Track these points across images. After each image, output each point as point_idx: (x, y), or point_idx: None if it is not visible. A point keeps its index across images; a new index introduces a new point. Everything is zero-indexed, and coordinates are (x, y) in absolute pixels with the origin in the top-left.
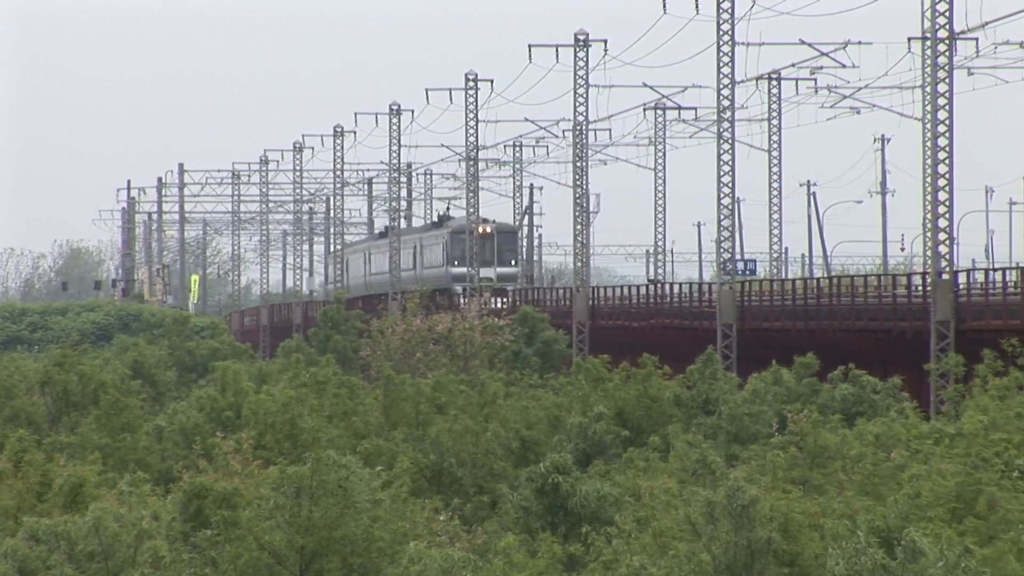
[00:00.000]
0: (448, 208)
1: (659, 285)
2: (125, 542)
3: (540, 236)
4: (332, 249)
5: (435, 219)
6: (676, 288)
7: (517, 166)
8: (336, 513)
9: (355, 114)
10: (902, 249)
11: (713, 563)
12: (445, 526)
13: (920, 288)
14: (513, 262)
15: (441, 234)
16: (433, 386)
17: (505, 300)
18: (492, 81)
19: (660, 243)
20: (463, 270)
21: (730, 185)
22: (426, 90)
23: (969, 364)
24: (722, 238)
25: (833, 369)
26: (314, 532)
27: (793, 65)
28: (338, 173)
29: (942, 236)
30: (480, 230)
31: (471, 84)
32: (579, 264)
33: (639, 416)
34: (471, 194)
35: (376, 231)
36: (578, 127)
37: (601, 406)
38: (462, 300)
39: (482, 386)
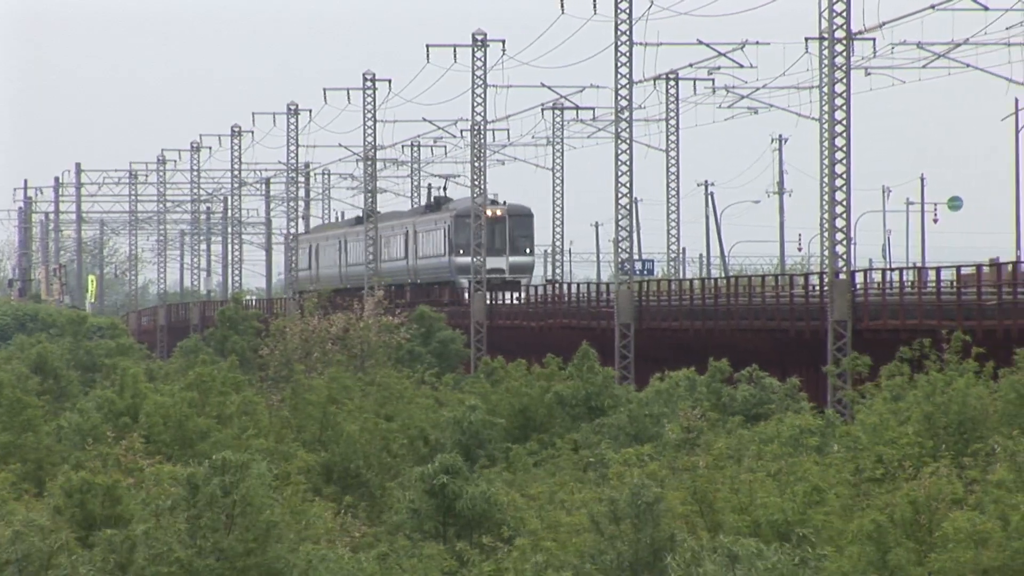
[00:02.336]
0: (444, 188)
1: (557, 285)
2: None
3: None
4: (294, 233)
5: (427, 201)
6: (574, 288)
7: (415, 166)
8: (254, 539)
9: (253, 114)
10: (799, 249)
11: (617, 561)
12: (333, 524)
13: (817, 288)
14: (528, 250)
15: (442, 218)
16: (328, 382)
17: (518, 296)
18: (390, 81)
19: (558, 243)
20: (469, 260)
21: (628, 185)
22: (324, 90)
23: (874, 364)
24: (620, 238)
25: (733, 369)
26: (233, 560)
27: (691, 65)
28: (236, 173)
29: (839, 236)
30: (489, 213)
31: (369, 84)
32: (477, 264)
33: (541, 415)
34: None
35: (354, 215)
36: (476, 127)
37: (475, 399)
38: (467, 295)
39: (381, 385)
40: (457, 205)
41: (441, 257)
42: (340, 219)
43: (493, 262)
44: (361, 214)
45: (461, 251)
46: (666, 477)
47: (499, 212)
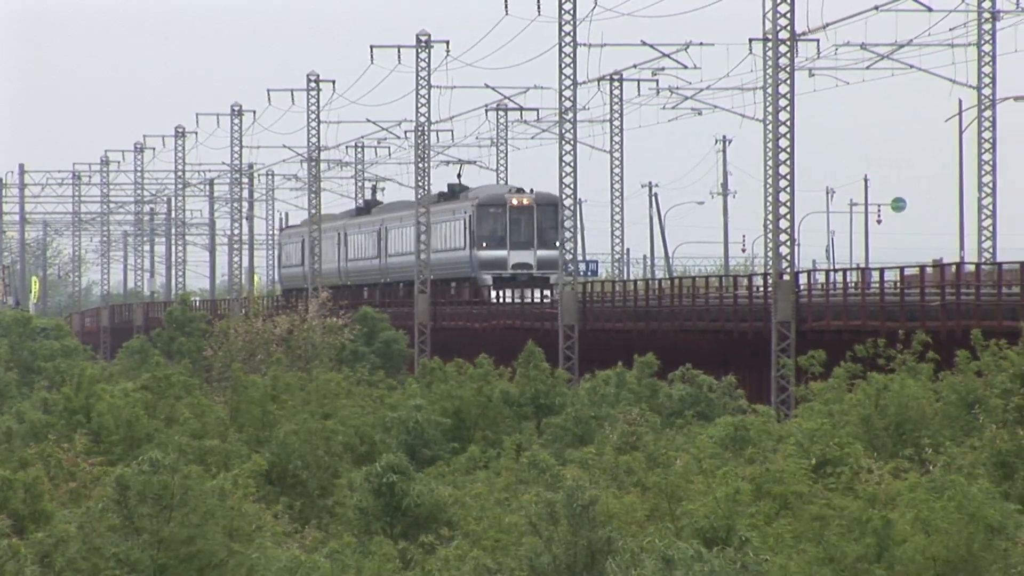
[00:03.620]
0: (460, 175)
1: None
2: None
3: None
4: (284, 227)
5: (443, 189)
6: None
7: (359, 167)
8: (191, 527)
9: (196, 115)
10: (743, 250)
11: (554, 563)
12: (278, 526)
13: (761, 289)
14: (558, 243)
15: (463, 207)
16: (271, 383)
17: (547, 295)
18: (334, 82)
19: None
20: (495, 254)
21: (572, 186)
22: (268, 91)
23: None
24: (564, 239)
25: (676, 369)
26: (170, 548)
27: (635, 66)
28: (179, 174)
29: (783, 237)
30: (514, 202)
31: (313, 85)
32: (421, 265)
33: (476, 415)
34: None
35: (355, 206)
36: (420, 128)
37: (420, 399)
38: (492, 293)
39: (321, 385)
40: (479, 193)
41: (460, 251)
42: (284, 221)
43: (518, 256)
44: (362, 203)
45: (485, 244)
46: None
47: (525, 200)
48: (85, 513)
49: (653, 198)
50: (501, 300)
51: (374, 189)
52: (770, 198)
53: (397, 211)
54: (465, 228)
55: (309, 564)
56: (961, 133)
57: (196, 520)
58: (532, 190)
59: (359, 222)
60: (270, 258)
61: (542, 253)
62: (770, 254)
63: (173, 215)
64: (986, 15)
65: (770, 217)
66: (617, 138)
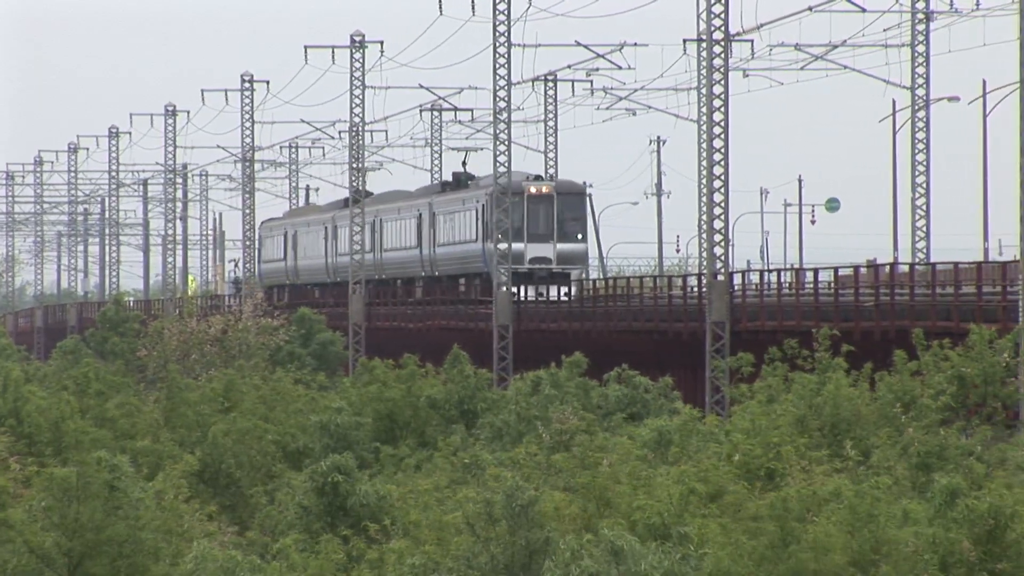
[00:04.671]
0: (465, 161)
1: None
2: None
3: None
4: (265, 220)
5: (445, 178)
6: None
7: (293, 167)
8: (103, 515)
9: (130, 115)
10: (677, 250)
11: (491, 562)
12: (211, 526)
13: (696, 289)
14: (580, 236)
15: (473, 197)
16: (225, 386)
17: (568, 293)
18: (268, 82)
19: None
20: (514, 247)
21: (507, 187)
22: (202, 91)
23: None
24: (498, 239)
25: (610, 370)
26: (81, 534)
27: (569, 67)
28: (113, 174)
29: (717, 237)
30: (532, 190)
31: (247, 85)
32: (356, 265)
33: (407, 416)
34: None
35: (343, 197)
36: (354, 128)
37: (341, 401)
38: (506, 290)
39: (272, 387)
40: (492, 180)
41: (471, 244)
42: (219, 222)
43: (536, 250)
44: (350, 194)
45: (500, 237)
46: (552, 477)
47: (545, 189)
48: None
49: (587, 198)
50: (517, 298)
51: (363, 180)
52: (704, 198)
53: (393, 202)
54: (477, 219)
55: (246, 564)
56: (895, 134)
57: (107, 511)
58: (552, 177)
59: (348, 214)
60: (204, 258)
61: (563, 246)
62: (704, 254)
63: (107, 215)
64: (920, 16)
65: (704, 217)
66: (551, 138)
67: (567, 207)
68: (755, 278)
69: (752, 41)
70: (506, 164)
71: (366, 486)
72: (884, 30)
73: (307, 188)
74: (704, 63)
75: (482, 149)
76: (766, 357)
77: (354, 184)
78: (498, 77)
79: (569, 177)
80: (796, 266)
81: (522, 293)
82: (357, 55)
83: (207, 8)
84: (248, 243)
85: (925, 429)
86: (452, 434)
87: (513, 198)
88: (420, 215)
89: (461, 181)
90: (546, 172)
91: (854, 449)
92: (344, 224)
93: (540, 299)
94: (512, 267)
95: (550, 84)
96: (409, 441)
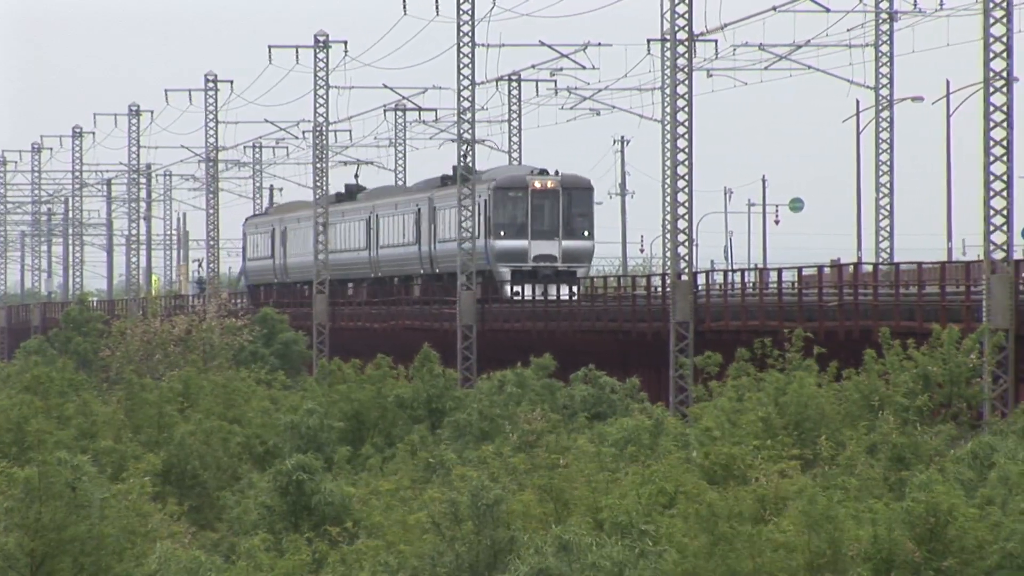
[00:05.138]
0: (465, 155)
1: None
2: None
3: None
4: (246, 218)
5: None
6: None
7: (257, 167)
8: (64, 514)
9: (94, 115)
10: (641, 250)
11: (456, 562)
12: (177, 526)
13: (660, 289)
14: (586, 232)
15: (476, 191)
16: (183, 385)
17: (574, 292)
18: (232, 82)
19: None
20: (514, 244)
21: (471, 187)
22: (165, 91)
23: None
24: (463, 239)
25: (574, 370)
26: (43, 534)
27: (533, 67)
28: (77, 174)
29: (681, 237)
30: (536, 184)
31: (211, 85)
32: (319, 265)
33: (375, 417)
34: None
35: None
36: (318, 128)
37: (312, 403)
38: (509, 289)
39: (227, 386)
40: (496, 174)
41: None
42: (182, 223)
43: (540, 247)
44: (344, 189)
45: (503, 233)
46: (518, 477)
47: (550, 184)
48: None
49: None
50: (522, 297)
51: (357, 173)
52: (668, 198)
53: (391, 196)
54: (479, 215)
55: (210, 564)
56: (859, 134)
57: (68, 512)
58: (557, 171)
59: (342, 209)
60: (167, 258)
61: (568, 244)
62: (668, 254)
63: (71, 215)
64: (883, 16)
65: (668, 217)
66: (515, 138)
67: (573, 202)
68: (719, 278)
69: (716, 41)
70: (472, 165)
71: (330, 485)
72: (848, 30)
73: (271, 188)
74: (668, 63)
75: (484, 142)
76: (736, 356)
77: (318, 185)
78: (462, 77)
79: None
80: (760, 266)
81: (527, 292)
82: (321, 55)
83: (172, 8)
84: (212, 243)
85: (901, 425)
86: (414, 433)
87: (516, 193)
88: (419, 210)
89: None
90: None
91: (820, 447)
92: (337, 220)
93: (544, 299)
94: (516, 265)
95: (514, 84)
96: (376, 440)
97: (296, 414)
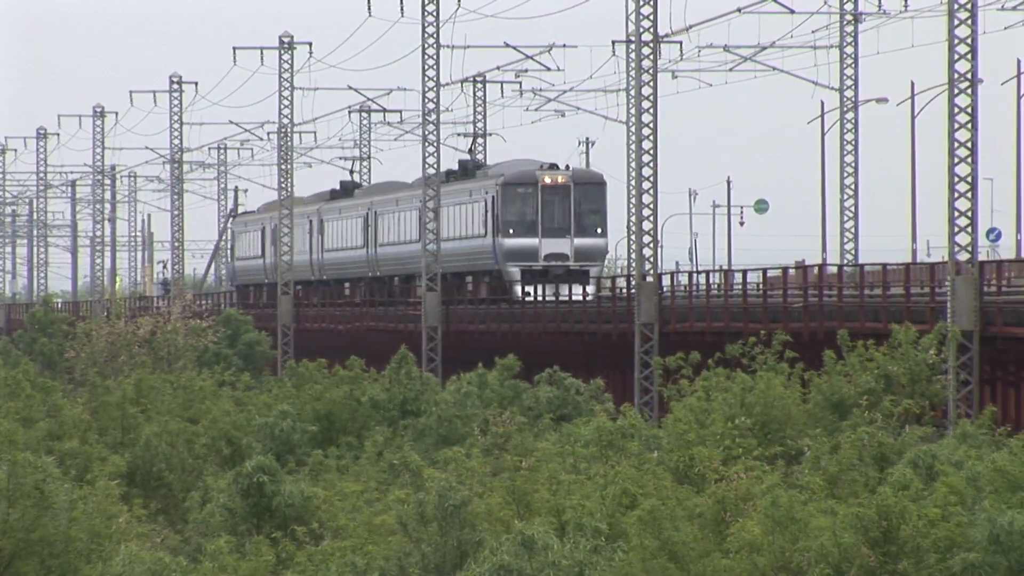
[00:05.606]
0: (471, 150)
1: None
2: None
3: None
4: (236, 214)
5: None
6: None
7: (222, 168)
8: (34, 515)
9: (59, 116)
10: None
11: (423, 563)
12: (142, 528)
13: (625, 290)
14: (600, 230)
15: (482, 187)
16: (135, 386)
17: (587, 292)
18: (196, 83)
19: None
20: (524, 243)
21: (436, 188)
22: (130, 92)
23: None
24: (428, 240)
25: (539, 371)
26: (11, 534)
27: (498, 68)
28: (41, 175)
29: (646, 239)
30: (547, 180)
31: (175, 86)
32: (284, 267)
33: (345, 419)
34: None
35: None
36: (283, 129)
37: (287, 404)
38: (520, 290)
39: (187, 387)
40: (504, 169)
41: (480, 239)
42: (147, 224)
43: (551, 245)
44: (339, 186)
45: (512, 231)
46: (483, 479)
47: (561, 179)
48: None
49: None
50: (534, 298)
51: (352, 170)
52: (633, 199)
53: (390, 192)
54: (486, 212)
55: (175, 566)
56: (824, 135)
57: (36, 513)
58: (568, 166)
59: (339, 206)
60: (132, 259)
61: (581, 242)
62: (633, 256)
63: (35, 216)
64: (848, 17)
65: (633, 218)
66: (480, 140)
67: (585, 198)
68: (684, 279)
69: (681, 42)
70: (436, 166)
71: (291, 487)
72: (812, 31)
73: (235, 189)
74: (633, 64)
75: (492, 134)
76: (710, 362)
77: (283, 186)
78: (427, 78)
79: None
80: (725, 268)
81: (537, 292)
82: (286, 56)
83: (136, 9)
84: (177, 244)
85: (882, 426)
86: (379, 435)
87: (526, 189)
88: (420, 207)
89: (468, 170)
90: None
91: (785, 447)
92: (332, 217)
93: (556, 299)
94: (526, 265)
95: (479, 85)
96: (351, 440)
97: (270, 415)
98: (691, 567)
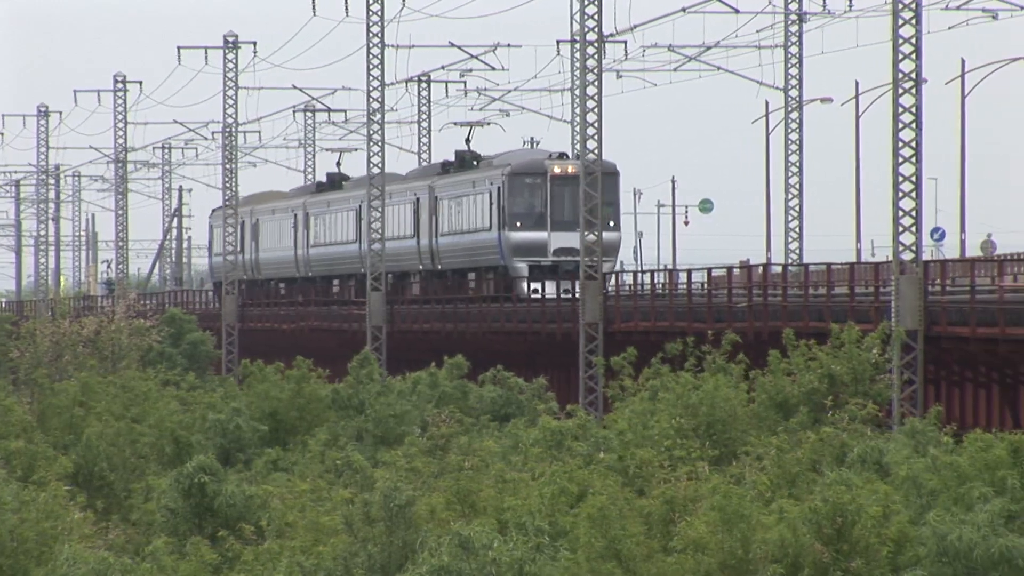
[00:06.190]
0: (469, 138)
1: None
2: None
3: (189, 239)
4: (212, 210)
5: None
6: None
7: (166, 168)
8: None
9: (2, 115)
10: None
11: (369, 562)
12: (89, 529)
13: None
14: (612, 223)
15: (487, 178)
16: (80, 388)
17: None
18: (141, 83)
19: None
20: (532, 236)
21: (381, 188)
22: (74, 91)
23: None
24: (373, 240)
25: (484, 371)
26: None
27: (443, 67)
28: None
29: (591, 238)
30: (556, 170)
31: (120, 85)
32: (229, 267)
33: (293, 417)
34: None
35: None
36: (227, 129)
37: (238, 403)
38: (526, 286)
39: (129, 387)
40: (510, 159)
41: (484, 232)
42: (92, 225)
43: (561, 239)
44: (325, 178)
45: (519, 224)
46: (427, 479)
47: (571, 169)
48: None
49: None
50: (542, 295)
51: (339, 161)
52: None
53: (395, 183)
54: (491, 203)
55: (118, 566)
56: (768, 135)
57: None
58: (578, 154)
59: (326, 199)
60: (76, 259)
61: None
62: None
63: None
64: (793, 17)
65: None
66: (425, 139)
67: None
68: (629, 279)
69: (626, 42)
70: (381, 165)
71: (232, 487)
72: (757, 31)
73: (180, 189)
74: (578, 64)
75: (489, 123)
76: (653, 361)
77: (227, 186)
78: (372, 78)
79: None
80: (669, 267)
81: (548, 289)
82: (230, 56)
83: (78, 8)
84: (121, 244)
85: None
86: (320, 435)
87: (533, 179)
88: (418, 200)
89: (466, 161)
90: None
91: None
92: (319, 211)
93: (572, 297)
94: (534, 260)
95: (424, 85)
96: (303, 439)
97: (221, 414)
98: (638, 567)
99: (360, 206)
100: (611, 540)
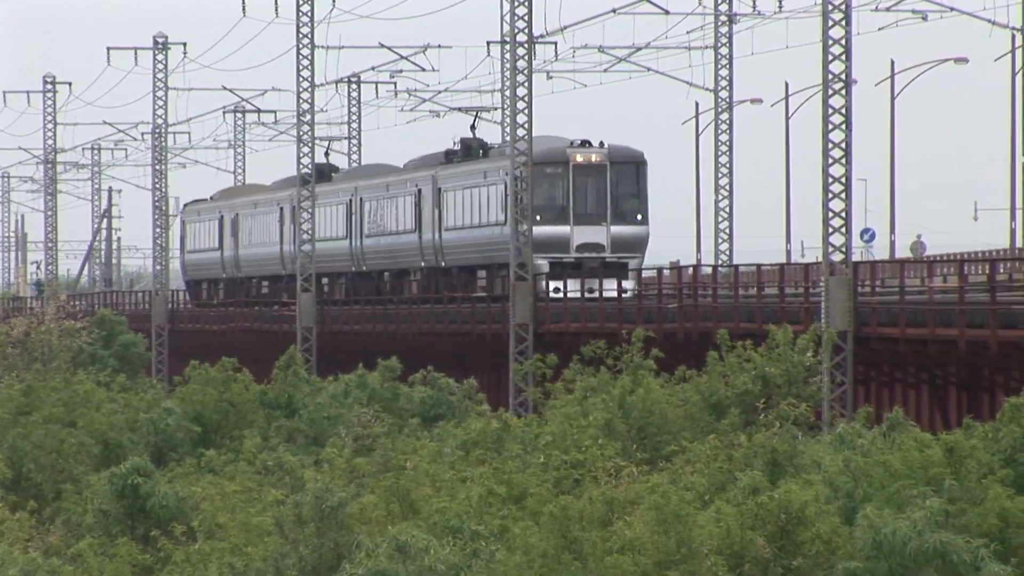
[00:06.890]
0: (474, 125)
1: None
2: None
3: (119, 240)
4: (184, 205)
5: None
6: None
7: (96, 169)
8: None
9: None
10: None
11: (300, 564)
12: (23, 533)
13: (500, 290)
14: (640, 216)
15: (497, 168)
16: (23, 391)
17: (625, 288)
18: (70, 83)
19: None
20: (553, 231)
21: (311, 189)
22: (3, 92)
23: (559, 366)
24: (302, 241)
25: (415, 372)
26: None
27: (373, 68)
28: None
29: (521, 239)
30: (579, 158)
31: (49, 86)
32: (158, 267)
33: (217, 419)
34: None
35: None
36: (157, 130)
37: (170, 403)
38: (546, 285)
39: (67, 389)
40: (523, 147)
41: (495, 227)
42: (21, 224)
43: (585, 234)
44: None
45: (539, 217)
46: (361, 480)
47: (595, 158)
48: None
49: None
50: (564, 294)
51: (327, 152)
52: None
53: (381, 176)
54: (506, 196)
55: (47, 567)
56: (698, 136)
57: None
58: (603, 143)
59: (318, 191)
60: (5, 260)
61: (619, 229)
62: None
63: None
64: (723, 18)
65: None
66: (355, 140)
67: (623, 179)
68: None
69: (556, 43)
70: (311, 167)
71: (165, 487)
72: (687, 32)
73: (109, 190)
74: (508, 65)
75: (495, 109)
76: (574, 359)
77: (157, 186)
78: (302, 79)
79: None
80: None
81: (570, 287)
82: (160, 57)
83: (9, 8)
84: (51, 245)
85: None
86: (254, 436)
87: (554, 169)
88: (419, 192)
89: (473, 149)
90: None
91: (658, 453)
92: (307, 204)
93: (599, 296)
94: (555, 256)
95: (354, 86)
96: (234, 440)
97: (154, 413)
98: (594, 566)
99: (351, 200)
100: (571, 541)
